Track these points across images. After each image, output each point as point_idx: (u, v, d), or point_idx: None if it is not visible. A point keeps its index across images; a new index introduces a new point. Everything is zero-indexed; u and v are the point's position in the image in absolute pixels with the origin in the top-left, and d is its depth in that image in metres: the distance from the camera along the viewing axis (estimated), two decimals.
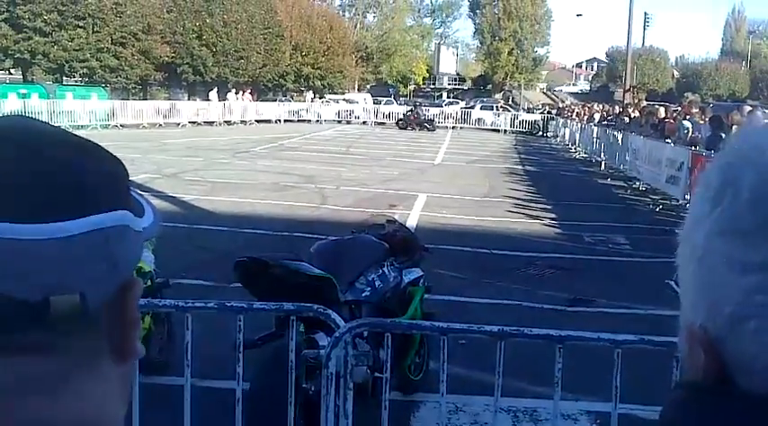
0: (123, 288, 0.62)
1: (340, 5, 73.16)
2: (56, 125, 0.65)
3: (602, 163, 21.95)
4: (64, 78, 35.44)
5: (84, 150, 0.62)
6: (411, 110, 40.87)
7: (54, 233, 0.55)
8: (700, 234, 0.53)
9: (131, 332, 0.64)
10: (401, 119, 39.96)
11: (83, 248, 0.57)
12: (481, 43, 70.47)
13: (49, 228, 0.55)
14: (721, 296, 0.51)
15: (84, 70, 34.79)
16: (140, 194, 0.67)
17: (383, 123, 41.74)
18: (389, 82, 74.26)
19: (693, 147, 14.15)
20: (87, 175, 0.59)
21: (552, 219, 12.19)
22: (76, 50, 33.15)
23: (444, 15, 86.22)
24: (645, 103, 26.64)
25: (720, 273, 0.51)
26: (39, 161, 0.57)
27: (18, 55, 32.40)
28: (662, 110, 19.97)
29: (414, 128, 37.68)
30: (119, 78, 35.72)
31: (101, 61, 34.22)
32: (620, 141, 20.23)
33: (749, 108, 15.47)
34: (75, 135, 0.64)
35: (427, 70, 78.18)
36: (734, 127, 12.79)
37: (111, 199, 0.60)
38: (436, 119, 42.67)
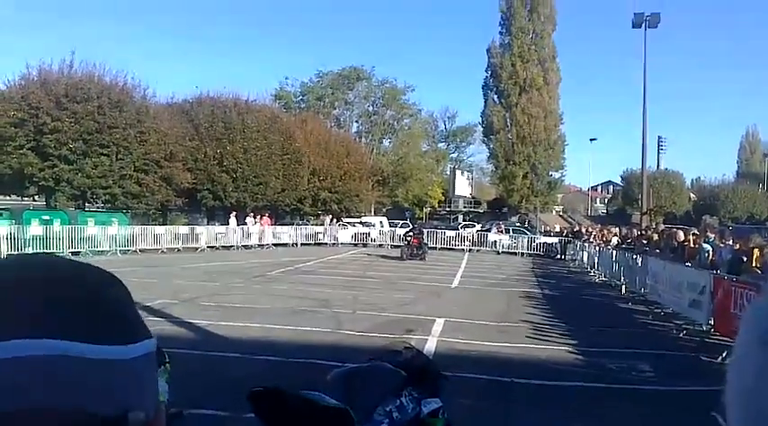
0: (158, 409, 0.66)
1: (356, 132, 75.22)
2: (74, 259, 0.71)
3: (623, 286, 21.68)
4: (86, 204, 36.00)
5: (113, 281, 0.68)
6: (412, 233, 34.39)
7: (126, 354, 0.61)
8: (749, 373, 0.49)
9: None
10: (405, 245, 32.96)
11: (141, 370, 0.62)
12: (496, 167, 71.14)
13: (120, 350, 0.61)
14: None
15: (107, 196, 35.23)
16: None
17: (399, 246, 41.73)
18: (405, 205, 75.20)
19: (715, 271, 13.99)
20: (126, 305, 0.66)
21: (573, 345, 11.90)
22: (100, 177, 33.68)
23: (459, 140, 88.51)
24: (663, 226, 26.60)
25: None
26: (92, 292, 0.63)
27: (43, 182, 32.84)
28: (681, 233, 19.88)
29: (406, 257, 31.31)
30: (140, 204, 36.13)
31: (123, 188, 34.71)
32: (639, 264, 20.08)
33: None
34: (101, 268, 0.70)
35: (443, 193, 79.40)
36: (755, 250, 12.69)
37: (143, 325, 0.67)
38: (452, 242, 42.65)
